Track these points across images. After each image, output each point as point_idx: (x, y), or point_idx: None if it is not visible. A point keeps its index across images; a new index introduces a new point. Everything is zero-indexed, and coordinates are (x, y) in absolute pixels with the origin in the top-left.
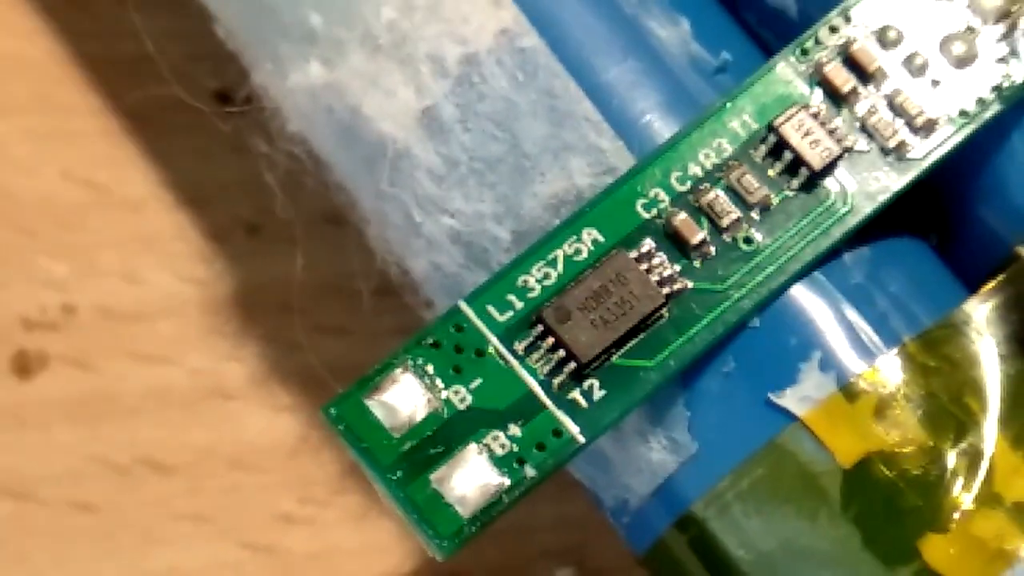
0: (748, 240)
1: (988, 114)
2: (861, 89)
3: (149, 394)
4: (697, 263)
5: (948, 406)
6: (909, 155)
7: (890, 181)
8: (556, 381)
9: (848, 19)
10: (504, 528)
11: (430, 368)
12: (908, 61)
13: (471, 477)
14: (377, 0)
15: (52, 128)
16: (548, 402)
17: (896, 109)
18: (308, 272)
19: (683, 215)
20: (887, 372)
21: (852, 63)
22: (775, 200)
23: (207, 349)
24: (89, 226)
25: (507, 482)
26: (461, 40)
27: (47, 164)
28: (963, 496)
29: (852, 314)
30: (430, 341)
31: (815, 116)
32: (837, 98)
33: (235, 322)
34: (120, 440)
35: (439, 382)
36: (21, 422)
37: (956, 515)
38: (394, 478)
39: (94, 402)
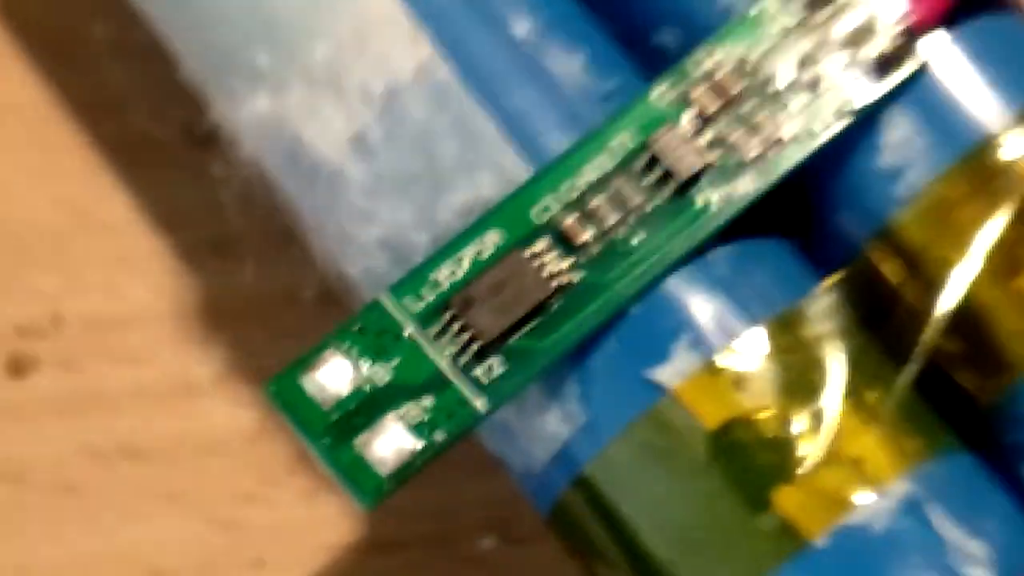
0: (626, 240)
1: (832, 132)
2: (722, 111)
3: (127, 391)
4: (583, 260)
5: (797, 379)
6: (763, 167)
7: (747, 189)
8: (462, 360)
9: (712, 53)
10: (437, 503)
11: (355, 350)
12: (763, 87)
13: (389, 442)
14: (314, 40)
15: (43, 162)
16: (454, 378)
17: (753, 128)
18: (262, 283)
19: (571, 219)
20: (745, 350)
21: (716, 89)
22: (649, 206)
23: (177, 352)
24: (75, 247)
25: (420, 445)
26: (385, 73)
27: (38, 193)
28: (809, 454)
29: (716, 301)
30: (356, 328)
31: (683, 134)
32: (703, 119)
33: (201, 329)
34: (102, 430)
35: (363, 362)
36: (15, 416)
37: (802, 470)
38: (325, 444)
39: (79, 398)
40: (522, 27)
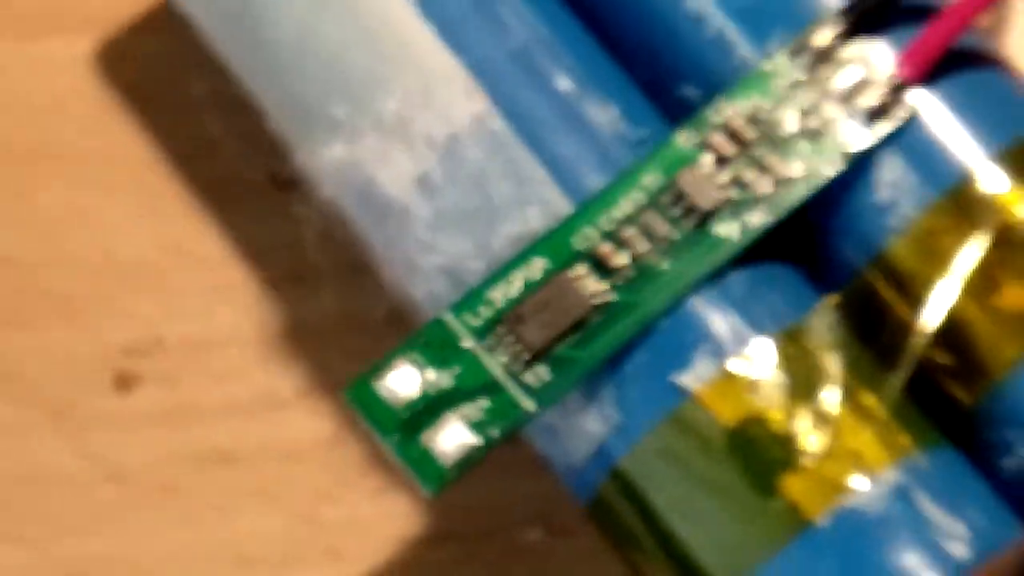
0: (655, 265)
1: (832, 172)
2: (738, 154)
3: (220, 403)
4: (618, 282)
5: (802, 383)
6: (773, 202)
7: (759, 222)
8: (514, 368)
9: (729, 104)
10: (489, 499)
11: (421, 360)
12: (773, 133)
13: (451, 438)
14: (384, 94)
15: (146, 204)
16: (506, 383)
17: (764, 168)
18: (337, 307)
19: (607, 247)
20: (757, 358)
21: (732, 135)
22: (675, 236)
23: (264, 369)
24: (174, 277)
25: (478, 441)
26: (446, 123)
27: (142, 231)
28: (812, 447)
29: (733, 317)
30: (421, 341)
31: (704, 174)
32: (721, 160)
33: (285, 349)
34: (198, 438)
35: (428, 370)
36: (122, 426)
37: (806, 461)
38: (395, 439)
39: (178, 410)
40: (564, 83)
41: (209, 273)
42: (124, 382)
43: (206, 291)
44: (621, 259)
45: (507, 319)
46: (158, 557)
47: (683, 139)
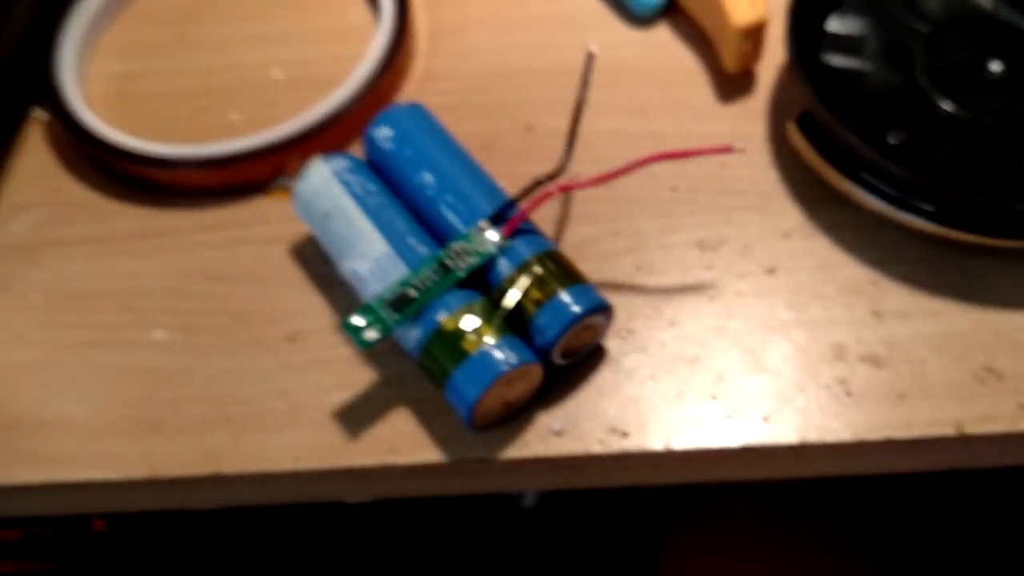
0: (429, 285)
1: (485, 259)
2: (458, 253)
3: None
4: (419, 290)
5: (473, 318)
6: (468, 266)
7: (463, 272)
8: (389, 315)
9: (456, 243)
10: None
11: (360, 312)
12: (468, 250)
13: (370, 334)
14: (356, 246)
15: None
16: (388, 319)
17: (463, 258)
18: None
19: (415, 280)
20: (462, 316)
21: (454, 251)
22: (437, 277)
23: None
24: None
25: (378, 336)
26: (374, 250)
27: None
28: (471, 332)
29: (454, 301)
30: (361, 307)
31: (454, 253)
32: (451, 256)
33: None
34: None
35: (358, 316)
36: None
37: (469, 335)
38: (355, 334)
39: None
40: (410, 239)
41: None
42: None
43: None
44: (418, 285)
45: (389, 302)
46: None
47: (442, 253)
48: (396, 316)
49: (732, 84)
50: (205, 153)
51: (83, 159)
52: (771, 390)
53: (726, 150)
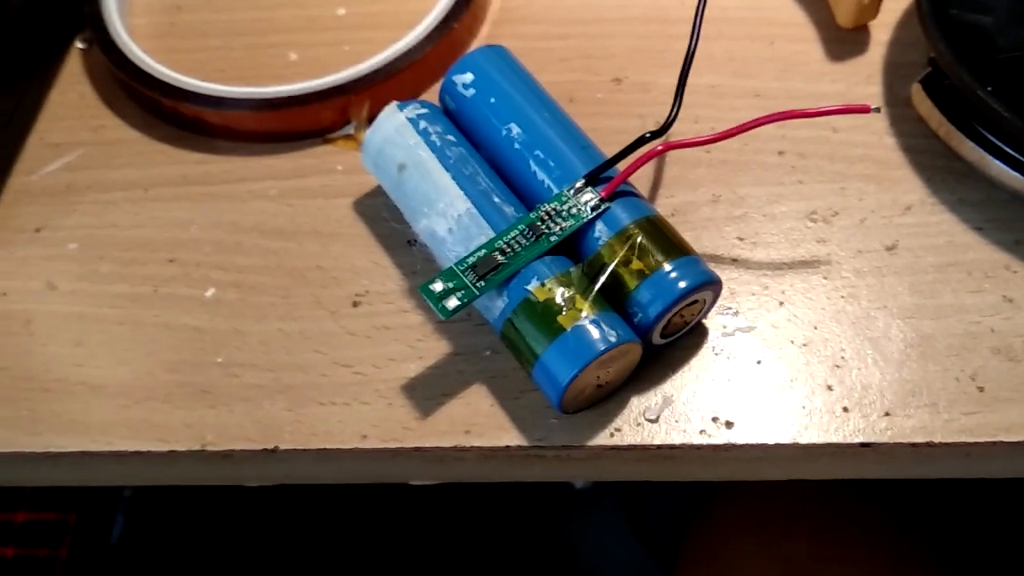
0: (520, 250)
1: (582, 222)
2: (549, 216)
3: None
4: (508, 256)
5: (566, 289)
6: (562, 231)
7: (556, 238)
8: (474, 281)
9: (546, 204)
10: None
11: (442, 278)
12: (561, 211)
13: (452, 302)
14: (436, 204)
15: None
16: (472, 286)
17: (557, 221)
18: None
19: (502, 245)
20: (552, 284)
21: (548, 212)
22: (527, 242)
23: None
24: None
25: (460, 303)
26: (455, 209)
27: None
28: (565, 304)
29: (545, 269)
30: (443, 273)
31: (544, 215)
32: (543, 219)
33: None
34: None
35: (440, 281)
36: None
37: (565, 309)
38: (436, 303)
39: None
40: (496, 197)
41: None
42: None
43: None
44: (506, 249)
45: (472, 267)
46: None
47: (533, 214)
48: (481, 283)
49: (843, 41)
50: (264, 94)
51: (127, 96)
52: (893, 381)
53: (862, 110)
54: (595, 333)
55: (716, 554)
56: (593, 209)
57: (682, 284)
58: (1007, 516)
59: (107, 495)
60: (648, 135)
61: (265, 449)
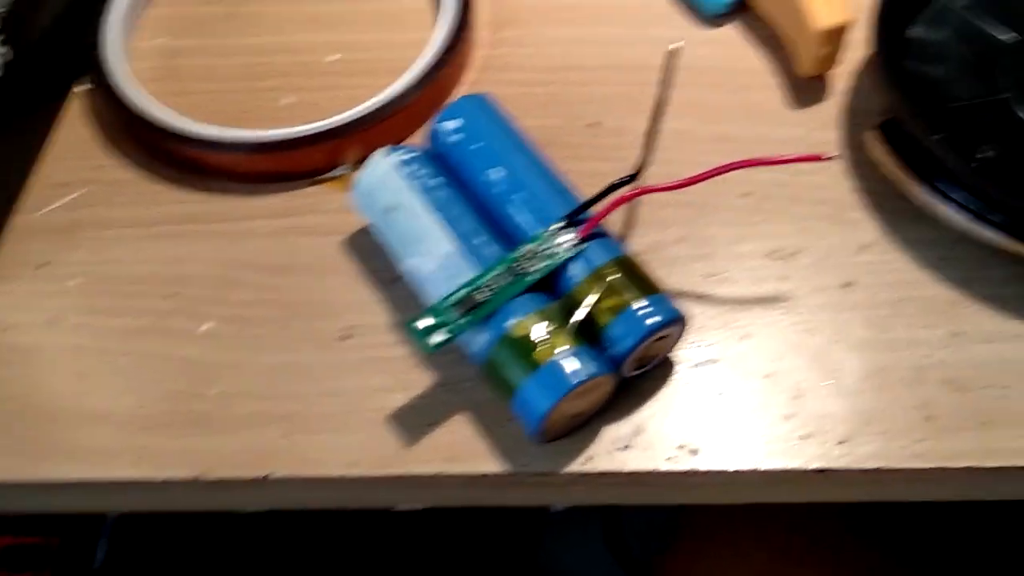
0: (500, 288)
1: (559, 262)
2: (529, 256)
3: None
4: (488, 293)
5: (542, 326)
6: (539, 270)
7: (533, 276)
8: (457, 318)
9: (526, 244)
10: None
11: (429, 314)
12: (539, 252)
13: (436, 338)
14: (419, 245)
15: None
16: (457, 321)
17: (536, 260)
18: None
19: (486, 281)
20: (529, 322)
21: (527, 253)
22: (507, 280)
23: None
24: None
25: (445, 338)
26: (441, 249)
27: None
28: (543, 340)
29: (523, 307)
30: (429, 309)
31: (524, 255)
32: (527, 257)
33: None
34: None
35: (427, 318)
36: None
37: (541, 344)
38: (419, 339)
39: None
40: (477, 239)
41: None
42: None
43: None
44: (487, 287)
45: (454, 304)
46: None
47: (511, 255)
48: (464, 319)
49: (804, 88)
50: (259, 137)
51: (127, 137)
52: (849, 411)
53: (815, 158)
54: (570, 367)
55: (690, 570)
56: (569, 250)
57: (650, 321)
58: (969, 528)
59: (91, 519)
60: (620, 182)
61: (257, 477)
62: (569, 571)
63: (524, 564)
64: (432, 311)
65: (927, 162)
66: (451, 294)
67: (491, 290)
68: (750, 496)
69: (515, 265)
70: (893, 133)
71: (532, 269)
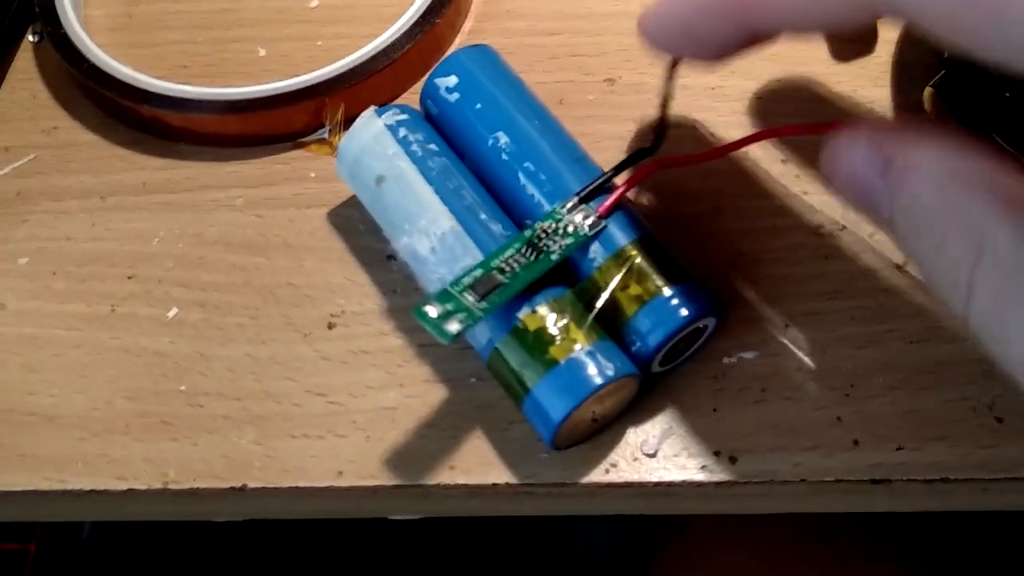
0: (517, 271)
1: (580, 240)
2: (545, 234)
3: None
4: (506, 277)
5: (557, 317)
6: (560, 250)
7: (556, 256)
8: (472, 303)
9: (539, 222)
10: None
11: (437, 300)
12: (556, 230)
13: (452, 326)
14: (416, 221)
15: None
16: (472, 308)
17: (555, 240)
18: None
19: (500, 264)
20: (544, 310)
21: (543, 230)
22: (525, 260)
23: None
24: None
25: (460, 327)
26: (438, 227)
27: None
28: (558, 335)
29: (539, 296)
30: (437, 293)
31: (542, 231)
32: (540, 236)
33: None
34: None
35: (436, 304)
36: None
37: (557, 340)
38: (432, 326)
39: None
40: (482, 214)
41: None
42: None
43: None
44: (505, 267)
45: (471, 286)
46: None
47: (527, 232)
48: (483, 304)
49: (849, 40)
50: (230, 95)
51: (83, 95)
52: (904, 412)
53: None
54: (591, 366)
55: (690, 566)
56: (589, 228)
57: (684, 312)
58: (969, 528)
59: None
60: (646, 147)
61: (232, 487)
62: (584, 540)
63: (540, 531)
64: (443, 296)
65: (992, 122)
66: (464, 275)
67: (510, 271)
68: (792, 507)
69: (534, 243)
70: (951, 90)
71: (553, 248)
